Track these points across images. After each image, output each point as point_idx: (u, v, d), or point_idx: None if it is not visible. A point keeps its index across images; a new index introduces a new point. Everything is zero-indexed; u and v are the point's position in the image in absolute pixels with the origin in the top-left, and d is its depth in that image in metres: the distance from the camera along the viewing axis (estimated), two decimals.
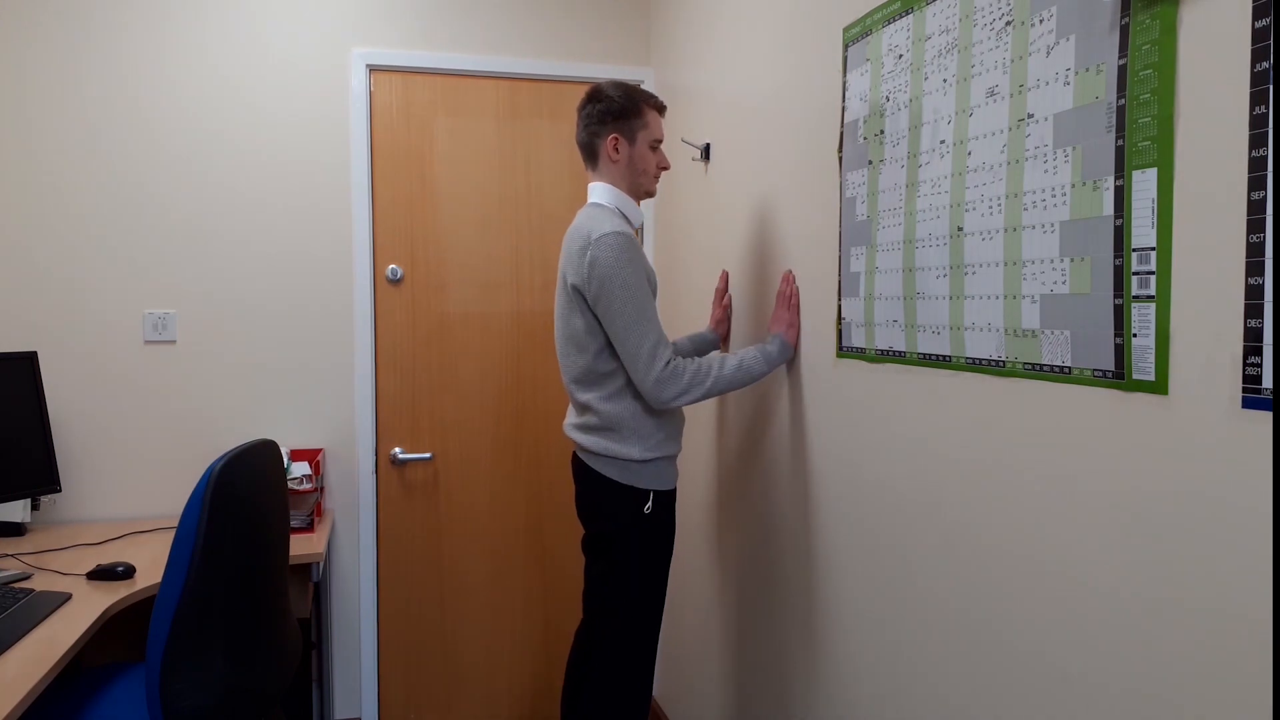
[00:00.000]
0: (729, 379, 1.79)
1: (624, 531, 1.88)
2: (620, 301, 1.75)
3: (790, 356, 1.84)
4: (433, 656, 2.82)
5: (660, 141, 1.93)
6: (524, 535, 2.89)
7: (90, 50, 2.49)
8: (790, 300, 1.81)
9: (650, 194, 1.96)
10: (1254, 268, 0.83)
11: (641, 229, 2.90)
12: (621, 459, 1.86)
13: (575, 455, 1.98)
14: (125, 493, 2.54)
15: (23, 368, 2.24)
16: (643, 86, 2.87)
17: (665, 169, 1.96)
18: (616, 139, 1.88)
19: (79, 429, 2.51)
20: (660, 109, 1.94)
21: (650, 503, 1.87)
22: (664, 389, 1.75)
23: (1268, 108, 0.81)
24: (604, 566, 1.93)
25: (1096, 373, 1.02)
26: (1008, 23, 1.16)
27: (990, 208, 1.20)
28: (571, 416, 1.97)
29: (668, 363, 1.77)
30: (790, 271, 1.83)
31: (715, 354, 1.92)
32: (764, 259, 1.98)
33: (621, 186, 1.92)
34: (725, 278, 2.19)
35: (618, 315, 1.76)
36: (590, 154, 1.94)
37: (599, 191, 1.91)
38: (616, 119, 1.88)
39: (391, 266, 2.73)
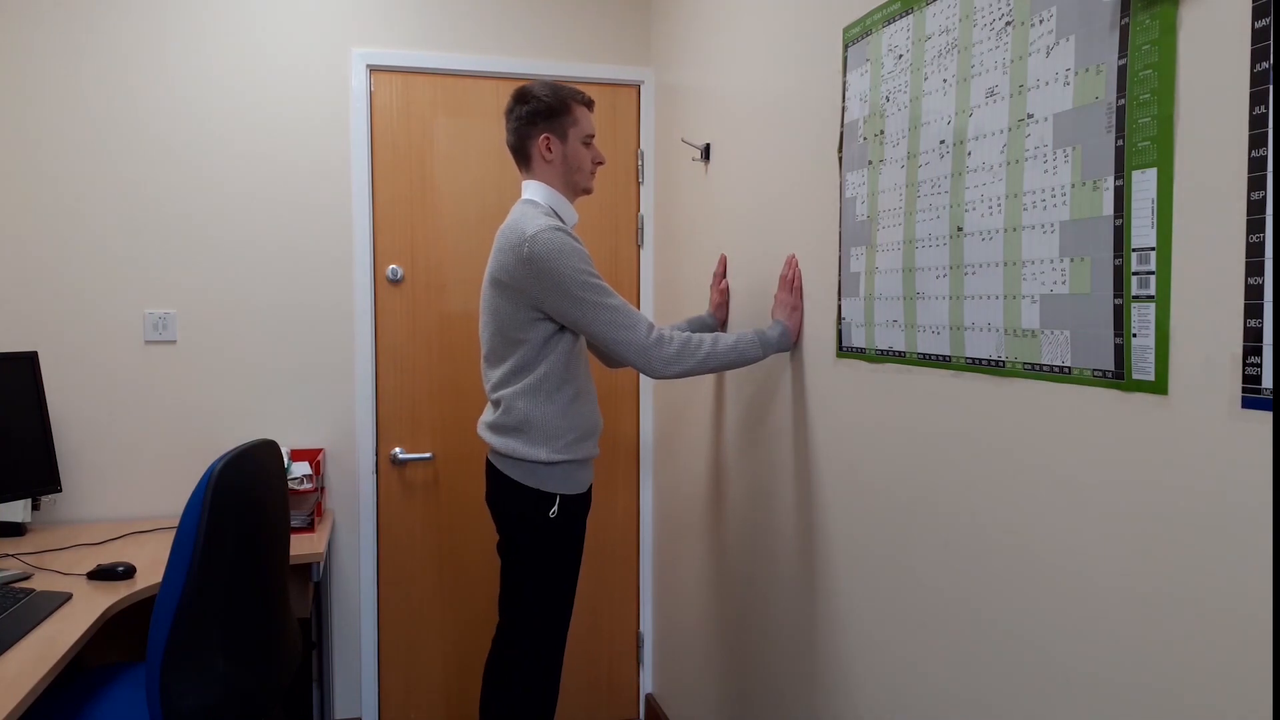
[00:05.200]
0: (721, 356, 1.75)
1: (527, 535, 1.85)
2: (578, 288, 1.73)
3: (791, 344, 1.81)
4: (433, 656, 2.82)
5: (593, 137, 1.92)
6: None
7: (90, 50, 2.49)
8: (792, 284, 1.79)
9: (587, 190, 1.95)
10: (1254, 268, 0.83)
11: (647, 231, 2.90)
12: (529, 461, 1.83)
13: (487, 457, 1.95)
14: (125, 493, 2.54)
15: (23, 368, 2.24)
16: (643, 87, 2.89)
17: (600, 164, 1.95)
18: (548, 138, 1.87)
19: (79, 429, 2.51)
20: (588, 104, 1.93)
21: (555, 507, 1.84)
22: (655, 352, 1.72)
23: (1268, 108, 0.81)
24: (508, 569, 1.91)
25: (1096, 373, 1.02)
26: (1008, 23, 1.16)
27: (990, 208, 1.20)
28: (485, 415, 1.94)
29: (650, 327, 1.74)
30: (793, 255, 1.82)
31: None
32: (764, 259, 1.98)
33: (556, 185, 1.91)
34: (723, 262, 2.19)
35: (578, 303, 1.73)
36: (523, 156, 1.92)
37: (532, 189, 1.90)
38: (546, 119, 1.87)
39: (391, 266, 2.73)
